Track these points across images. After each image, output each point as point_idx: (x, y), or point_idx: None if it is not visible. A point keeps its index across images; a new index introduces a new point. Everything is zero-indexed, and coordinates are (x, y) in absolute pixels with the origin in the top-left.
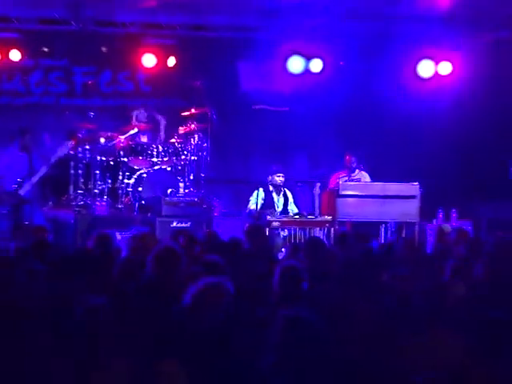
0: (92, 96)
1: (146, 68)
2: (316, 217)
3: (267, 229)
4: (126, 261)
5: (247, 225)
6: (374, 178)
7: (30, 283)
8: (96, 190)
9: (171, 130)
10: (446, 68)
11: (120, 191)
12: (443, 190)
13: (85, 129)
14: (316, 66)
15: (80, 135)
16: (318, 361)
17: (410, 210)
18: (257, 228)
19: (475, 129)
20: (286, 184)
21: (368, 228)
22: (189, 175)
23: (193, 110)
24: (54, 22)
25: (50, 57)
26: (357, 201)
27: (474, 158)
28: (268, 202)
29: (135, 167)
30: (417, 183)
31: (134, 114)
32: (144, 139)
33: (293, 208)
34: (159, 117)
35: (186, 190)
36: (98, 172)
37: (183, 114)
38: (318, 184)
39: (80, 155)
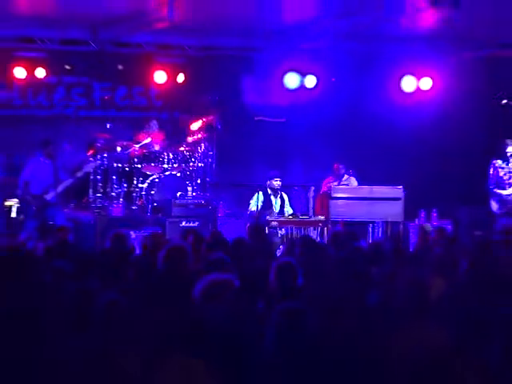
0: (109, 108)
1: (158, 84)
2: (310, 217)
3: (266, 228)
4: (139, 257)
5: (248, 224)
6: (362, 182)
7: (58, 280)
8: (113, 194)
9: (181, 140)
10: (426, 83)
11: (134, 194)
12: (425, 192)
13: (102, 138)
14: (310, 81)
15: (98, 144)
16: (310, 350)
17: (395, 211)
18: (257, 227)
19: (453, 137)
20: (282, 188)
21: (357, 227)
22: (196, 180)
23: (200, 122)
24: (75, 42)
25: (71, 74)
26: (347, 202)
27: (452, 164)
28: (266, 204)
29: (148, 173)
30: (401, 186)
31: (147, 125)
32: (156, 148)
33: (288, 209)
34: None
35: (194, 193)
36: (114, 177)
37: (191, 124)
38: (312, 188)
39: (98, 162)
